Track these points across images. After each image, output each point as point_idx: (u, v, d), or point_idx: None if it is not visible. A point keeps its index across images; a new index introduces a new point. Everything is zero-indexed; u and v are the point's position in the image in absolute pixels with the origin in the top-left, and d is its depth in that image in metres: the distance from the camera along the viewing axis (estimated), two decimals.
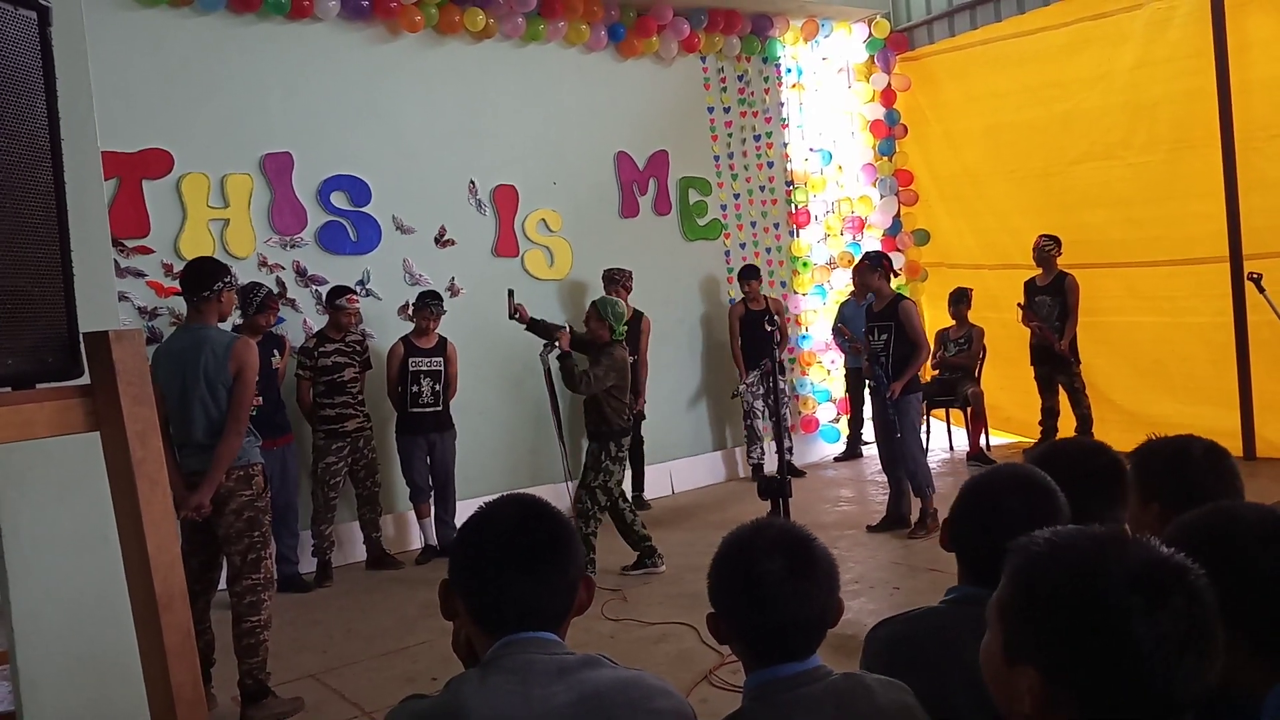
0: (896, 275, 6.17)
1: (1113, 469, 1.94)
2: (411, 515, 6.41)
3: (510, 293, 5.61)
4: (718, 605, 1.57)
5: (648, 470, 7.33)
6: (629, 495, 5.78)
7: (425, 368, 6.16)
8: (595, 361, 5.32)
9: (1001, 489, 1.74)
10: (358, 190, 6.39)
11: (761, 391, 7.64)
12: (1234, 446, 6.13)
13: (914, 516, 5.99)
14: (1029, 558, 1.08)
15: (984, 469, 1.87)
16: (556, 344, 5.36)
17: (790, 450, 7.75)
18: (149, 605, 1.62)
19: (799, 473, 7.64)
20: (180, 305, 5.13)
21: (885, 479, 6.35)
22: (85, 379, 1.66)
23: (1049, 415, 7.60)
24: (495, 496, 1.56)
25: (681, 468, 7.73)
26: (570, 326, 5.66)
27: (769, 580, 1.50)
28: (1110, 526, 1.18)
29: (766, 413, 7.71)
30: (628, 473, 5.86)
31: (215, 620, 4.15)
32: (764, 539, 1.56)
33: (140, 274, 5.71)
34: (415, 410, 6.16)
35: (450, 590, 1.51)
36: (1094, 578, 1.01)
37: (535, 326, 5.55)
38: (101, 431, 1.63)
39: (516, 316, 5.57)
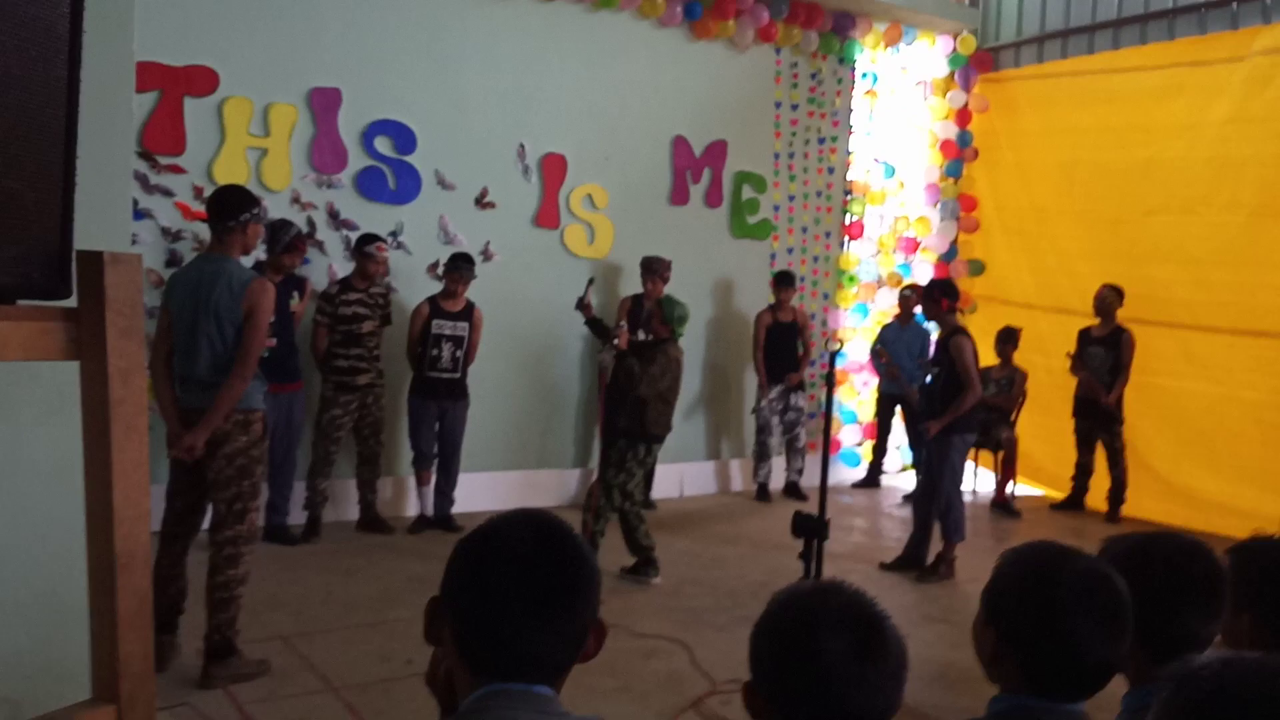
0: (956, 310, 5.83)
1: (1214, 577, 1.66)
2: (410, 480, 6.19)
3: (590, 281, 5.84)
4: (761, 679, 1.32)
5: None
6: (643, 499, 5.58)
7: (449, 331, 5.91)
8: (651, 359, 5.15)
9: (1072, 585, 1.44)
10: (403, 138, 6.14)
11: (781, 408, 7.37)
12: (1274, 532, 5.79)
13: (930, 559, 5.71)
14: (1196, 693, 0.92)
15: (1037, 547, 1.53)
16: (616, 343, 5.21)
17: (800, 471, 7.47)
18: (106, 563, 1.45)
19: (802, 495, 7.35)
20: (205, 231, 4.92)
21: (906, 514, 6.06)
22: (72, 301, 1.47)
23: (1082, 472, 7.31)
24: (509, 511, 1.29)
25: (692, 471, 7.46)
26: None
27: (833, 661, 1.25)
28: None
29: (782, 430, 7.43)
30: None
31: (192, 562, 3.91)
32: (829, 610, 1.30)
33: (169, 193, 5.49)
34: (432, 374, 5.91)
35: (438, 613, 1.26)
36: None
37: (594, 325, 5.77)
38: (81, 363, 1.46)
39: (581, 308, 5.84)
